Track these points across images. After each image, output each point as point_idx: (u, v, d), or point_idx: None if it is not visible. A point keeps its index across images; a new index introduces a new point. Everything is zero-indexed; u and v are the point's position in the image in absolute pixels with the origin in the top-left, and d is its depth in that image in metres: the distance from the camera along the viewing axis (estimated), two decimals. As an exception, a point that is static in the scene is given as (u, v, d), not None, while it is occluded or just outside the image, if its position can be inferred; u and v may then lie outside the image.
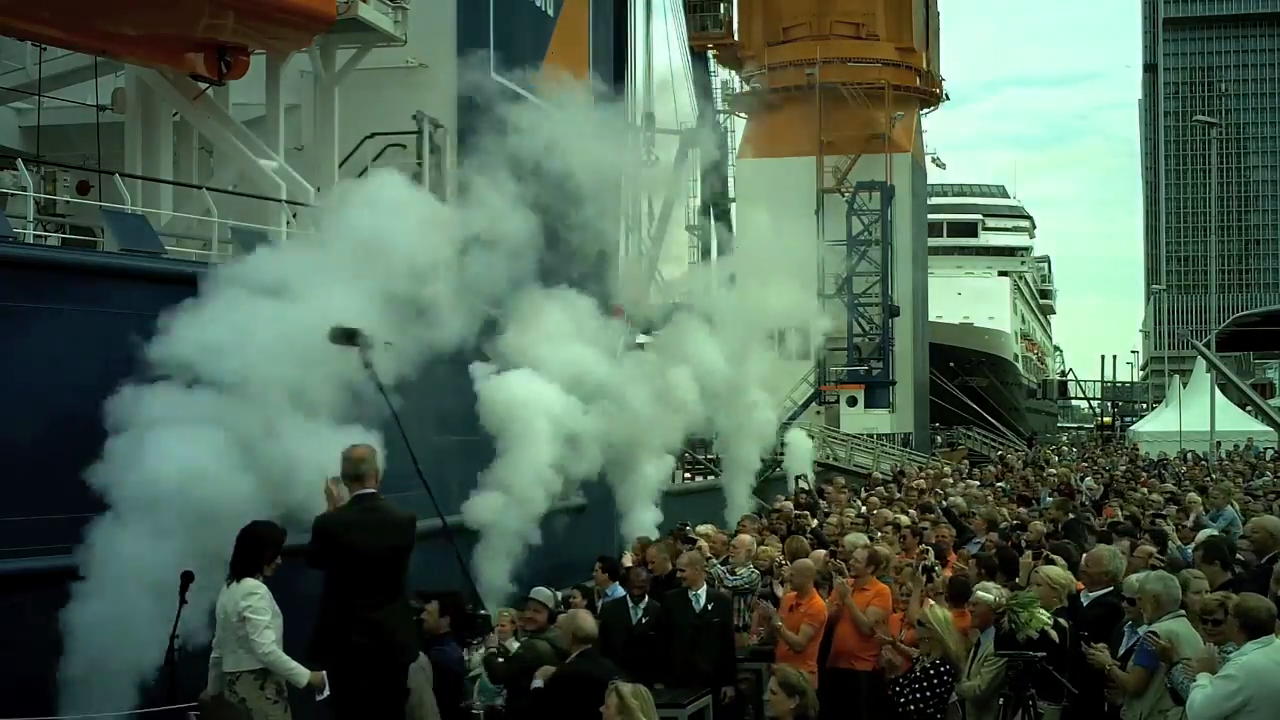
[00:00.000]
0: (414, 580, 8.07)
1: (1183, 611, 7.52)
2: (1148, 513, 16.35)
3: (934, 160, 55.58)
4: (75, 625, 8.71)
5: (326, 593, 7.62)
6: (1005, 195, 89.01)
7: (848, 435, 40.23)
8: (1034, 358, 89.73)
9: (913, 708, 8.34)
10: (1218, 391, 40.54)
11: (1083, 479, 26.68)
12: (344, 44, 13.72)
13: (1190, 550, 12.39)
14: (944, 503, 18.19)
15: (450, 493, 12.11)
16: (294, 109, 14.31)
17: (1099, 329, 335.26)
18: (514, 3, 16.40)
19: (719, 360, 17.83)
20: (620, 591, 11.08)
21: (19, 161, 11.08)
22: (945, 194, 77.63)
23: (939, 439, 54.67)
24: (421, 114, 14.22)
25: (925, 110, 51.84)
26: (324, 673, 7.63)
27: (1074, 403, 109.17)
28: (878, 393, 45.70)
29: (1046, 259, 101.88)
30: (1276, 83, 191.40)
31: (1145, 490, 21.27)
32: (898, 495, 20.80)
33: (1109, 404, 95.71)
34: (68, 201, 12.20)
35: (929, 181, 56.75)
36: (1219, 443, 38.52)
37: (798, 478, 24.85)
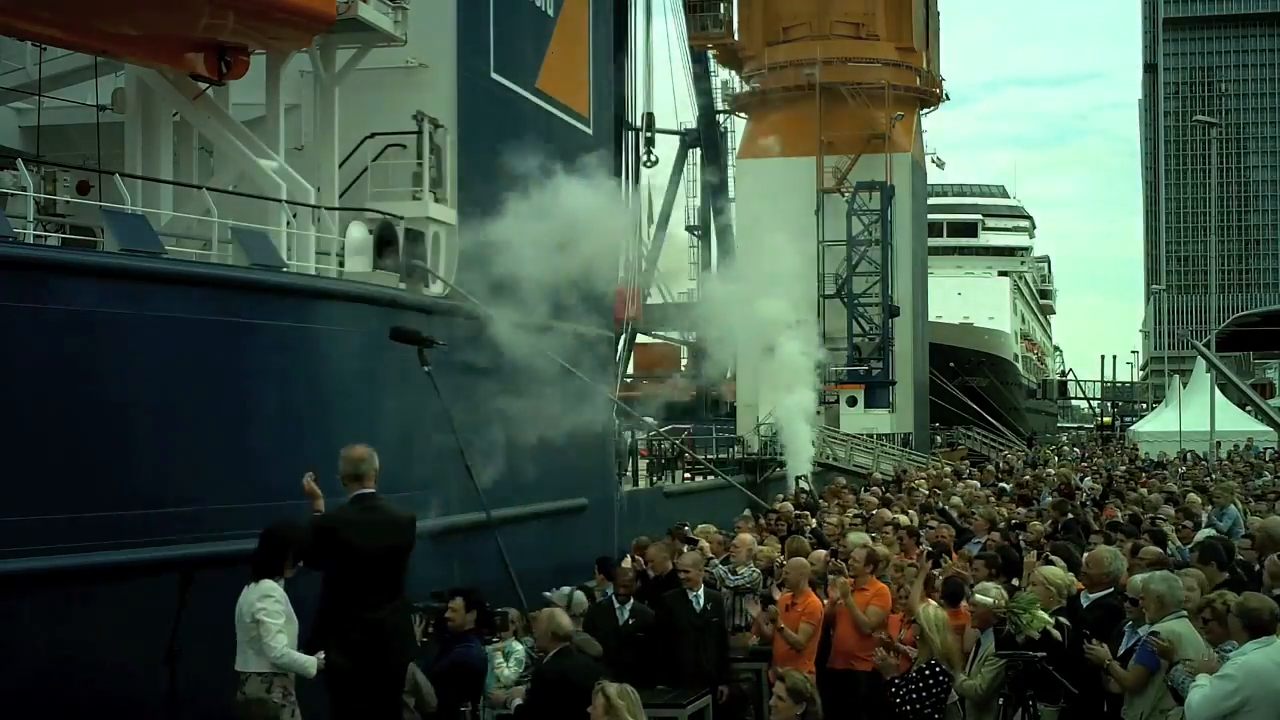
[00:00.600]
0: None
1: (1185, 612, 7.52)
2: (1147, 513, 16.35)
3: (934, 160, 55.53)
4: None
5: (325, 592, 7.62)
6: (1005, 195, 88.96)
7: (848, 435, 40.21)
8: (1034, 358, 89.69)
9: (911, 708, 8.33)
10: (1218, 391, 40.50)
11: (1082, 479, 26.70)
12: (344, 44, 13.72)
13: (1189, 550, 12.41)
14: (942, 504, 18.19)
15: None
16: (294, 109, 14.31)
17: (1099, 329, 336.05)
18: (514, 3, 16.40)
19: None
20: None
21: (19, 161, 11.07)
22: (945, 194, 77.60)
23: (939, 439, 54.63)
24: (421, 114, 14.22)
25: (925, 110, 51.75)
26: (321, 652, 7.58)
27: (1074, 403, 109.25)
28: (878, 393, 45.64)
29: (1046, 259, 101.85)
30: (1276, 83, 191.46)
31: (1145, 490, 21.25)
32: (898, 494, 20.80)
33: (1109, 404, 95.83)
34: (68, 201, 12.19)
35: (929, 181, 56.68)
36: (1219, 443, 38.51)
37: (798, 478, 24.89)
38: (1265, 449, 41.34)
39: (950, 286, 67.27)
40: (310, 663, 7.59)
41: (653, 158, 44.51)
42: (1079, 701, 7.89)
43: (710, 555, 12.24)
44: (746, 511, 18.11)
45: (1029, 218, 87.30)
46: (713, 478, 26.52)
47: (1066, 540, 12.43)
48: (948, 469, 32.56)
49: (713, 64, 51.21)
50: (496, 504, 12.35)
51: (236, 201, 12.60)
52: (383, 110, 14.42)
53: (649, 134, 43.09)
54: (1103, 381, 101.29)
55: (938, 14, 53.35)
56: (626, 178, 39.99)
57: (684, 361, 49.09)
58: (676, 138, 51.75)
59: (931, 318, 55.92)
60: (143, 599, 8.81)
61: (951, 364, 58.52)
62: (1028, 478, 26.00)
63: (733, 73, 51.61)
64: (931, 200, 61.17)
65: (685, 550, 11.80)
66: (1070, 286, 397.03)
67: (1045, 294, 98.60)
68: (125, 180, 11.67)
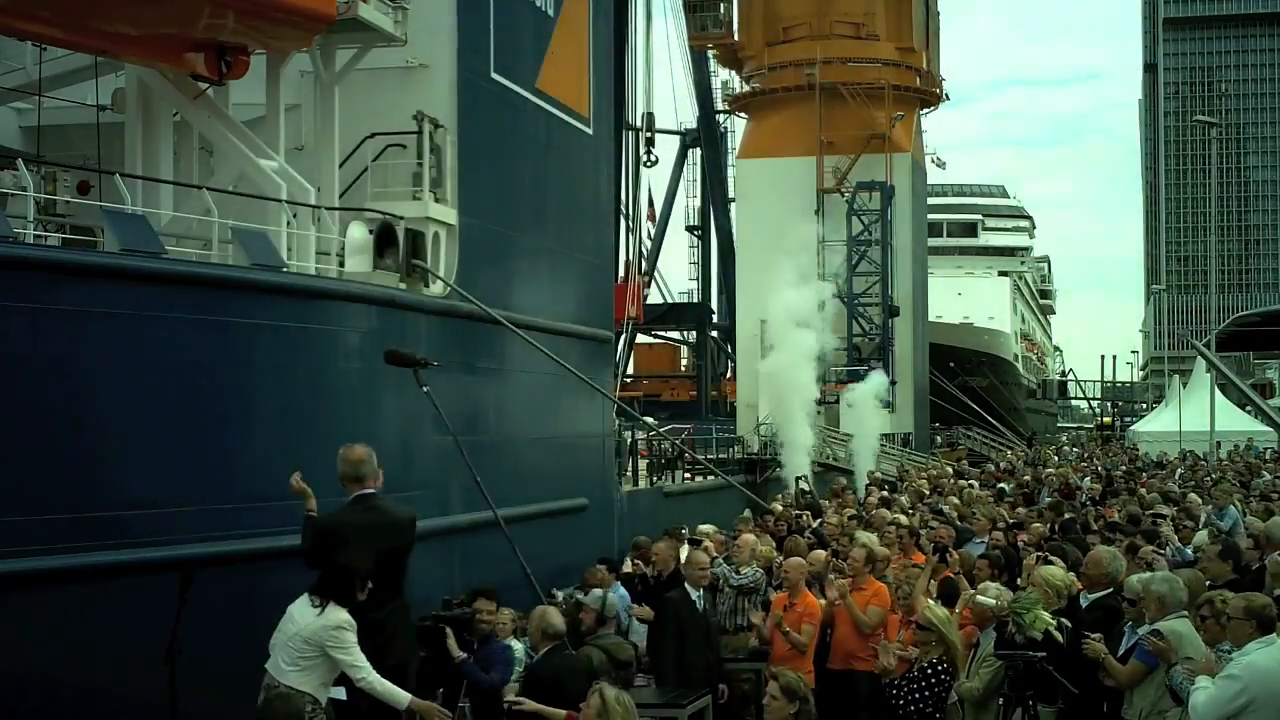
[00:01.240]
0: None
1: (1185, 612, 7.51)
2: (1147, 513, 16.35)
3: (934, 160, 55.50)
4: None
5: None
6: (1005, 195, 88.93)
7: (848, 435, 40.17)
8: (1034, 358, 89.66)
9: (912, 708, 8.33)
10: (1218, 391, 40.50)
11: (1083, 479, 26.70)
12: (344, 44, 13.70)
13: (1189, 550, 12.41)
14: (941, 505, 18.18)
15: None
16: (294, 109, 14.30)
17: (1099, 329, 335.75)
18: (514, 3, 16.39)
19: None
20: (621, 591, 11.12)
21: (19, 161, 11.05)
22: (945, 194, 77.58)
23: (939, 439, 54.64)
24: (421, 114, 14.21)
25: (925, 110, 51.74)
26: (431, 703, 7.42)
27: (1074, 403, 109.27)
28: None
29: (1046, 259, 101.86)
30: (1276, 83, 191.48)
31: (1145, 490, 21.26)
32: (898, 494, 20.78)
33: (1109, 404, 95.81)
34: (68, 201, 12.18)
35: (929, 181, 56.64)
36: (1219, 443, 38.50)
37: (798, 478, 24.86)
38: (1265, 449, 41.35)
39: (950, 286, 67.25)
40: (404, 697, 7.40)
41: (653, 158, 44.57)
42: (1078, 702, 7.88)
43: (714, 555, 12.27)
44: (746, 512, 18.10)
45: (1029, 218, 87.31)
46: (713, 478, 26.49)
47: (1064, 541, 12.43)
48: (948, 469, 32.57)
49: (713, 64, 51.22)
50: (496, 504, 12.33)
51: (236, 201, 12.58)
52: (383, 110, 14.40)
53: (649, 134, 43.12)
54: (1103, 381, 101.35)
55: (938, 14, 53.34)
56: (627, 177, 40.02)
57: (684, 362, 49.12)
58: (676, 138, 51.77)
59: (931, 318, 55.91)
60: (143, 599, 8.80)
61: (951, 364, 58.51)
62: (1028, 477, 26.02)
63: (733, 73, 51.63)
64: (931, 200, 61.15)
65: (686, 550, 11.84)
66: (1070, 286, 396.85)
67: (1045, 294, 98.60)
68: (125, 180, 11.65)
